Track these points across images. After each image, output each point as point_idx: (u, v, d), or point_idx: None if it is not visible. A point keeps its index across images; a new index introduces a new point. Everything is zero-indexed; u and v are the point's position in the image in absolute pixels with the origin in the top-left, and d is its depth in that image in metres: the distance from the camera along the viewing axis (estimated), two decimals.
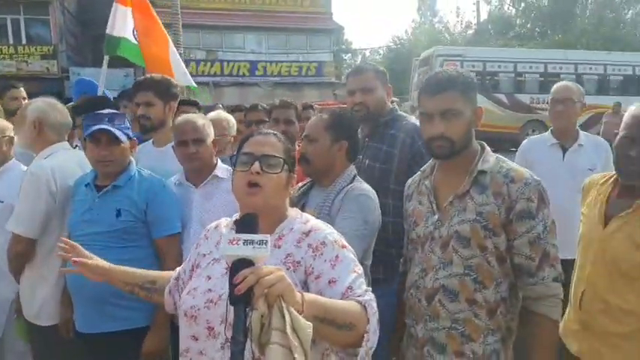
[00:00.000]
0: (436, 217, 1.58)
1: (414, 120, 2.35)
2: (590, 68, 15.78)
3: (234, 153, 1.43)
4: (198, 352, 1.26)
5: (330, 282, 1.21)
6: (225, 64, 20.18)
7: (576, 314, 1.78)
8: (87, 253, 1.48)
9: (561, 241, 1.87)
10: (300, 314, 1.00)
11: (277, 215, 1.34)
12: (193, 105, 3.37)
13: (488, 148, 1.60)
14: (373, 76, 2.32)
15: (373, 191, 1.93)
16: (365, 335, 1.13)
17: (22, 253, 2.14)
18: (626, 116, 1.66)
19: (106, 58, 4.04)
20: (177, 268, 1.52)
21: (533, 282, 1.49)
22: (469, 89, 1.53)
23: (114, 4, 4.06)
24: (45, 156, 2.26)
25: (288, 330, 0.95)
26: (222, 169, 2.21)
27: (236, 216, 1.40)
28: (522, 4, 30.87)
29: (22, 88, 3.78)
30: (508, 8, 31.77)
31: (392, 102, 2.42)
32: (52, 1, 17.83)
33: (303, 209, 1.96)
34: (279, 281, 0.99)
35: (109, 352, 1.97)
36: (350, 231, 1.72)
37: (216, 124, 2.70)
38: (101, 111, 2.06)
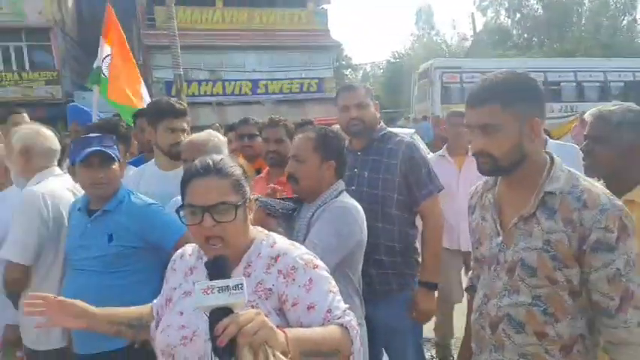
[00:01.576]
0: (500, 238, 1.41)
1: (407, 138, 2.51)
2: (590, 75, 15.82)
3: None
4: None
5: (308, 308, 1.18)
6: (226, 83, 20.37)
7: None
8: (68, 300, 1.35)
9: None
10: (287, 355, 0.99)
11: (243, 246, 1.28)
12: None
13: (558, 161, 1.39)
14: (365, 93, 2.41)
15: (356, 205, 1.93)
16: (350, 357, 1.14)
17: (17, 280, 2.13)
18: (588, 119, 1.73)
19: (96, 86, 4.55)
20: (154, 303, 1.47)
21: (614, 325, 1.28)
22: (515, 100, 1.32)
23: (101, 38, 4.56)
24: (35, 182, 2.25)
25: None
26: None
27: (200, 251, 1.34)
28: (518, 15, 31.16)
29: (24, 114, 3.77)
30: (504, 19, 32.08)
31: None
32: (51, 28, 18.09)
33: (294, 223, 1.99)
34: (261, 328, 0.96)
35: None
36: (320, 243, 1.75)
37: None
38: (89, 135, 2.08)
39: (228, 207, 1.20)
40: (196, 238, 1.24)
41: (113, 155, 1.99)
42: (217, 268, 1.07)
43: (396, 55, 31.20)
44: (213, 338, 0.94)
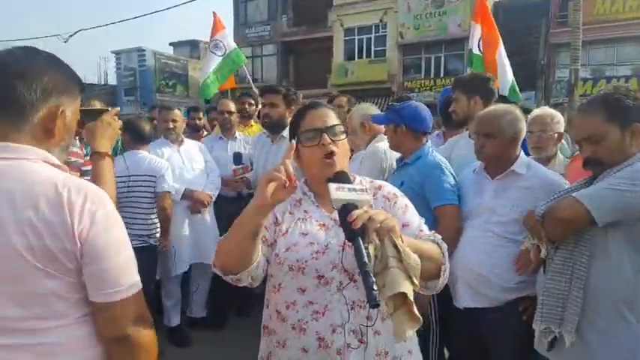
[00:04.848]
0: None
1: None
2: None
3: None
4: (306, 302, 1.33)
5: (403, 226, 1.37)
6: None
7: None
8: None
9: None
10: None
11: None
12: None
13: None
14: None
15: None
16: (442, 267, 1.33)
17: None
18: None
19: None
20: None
21: None
22: None
23: (471, 22, 5.06)
24: (374, 143, 2.88)
25: (403, 257, 1.11)
26: (521, 164, 2.10)
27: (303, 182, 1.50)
28: None
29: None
30: None
31: None
32: (466, 38, 20.02)
33: None
34: (387, 218, 1.12)
35: None
36: (605, 184, 1.60)
37: (539, 120, 2.78)
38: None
39: (341, 128, 1.41)
40: (314, 159, 1.37)
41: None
42: (341, 179, 1.26)
43: None
44: (346, 226, 1.11)
